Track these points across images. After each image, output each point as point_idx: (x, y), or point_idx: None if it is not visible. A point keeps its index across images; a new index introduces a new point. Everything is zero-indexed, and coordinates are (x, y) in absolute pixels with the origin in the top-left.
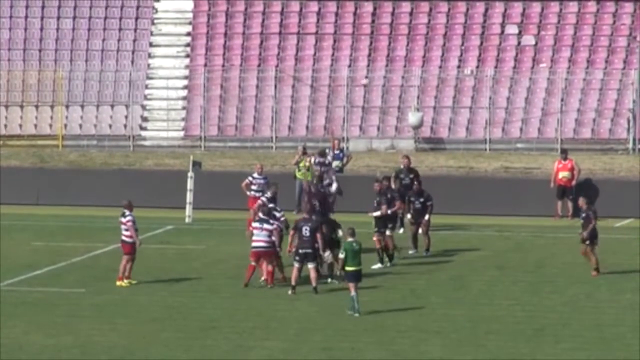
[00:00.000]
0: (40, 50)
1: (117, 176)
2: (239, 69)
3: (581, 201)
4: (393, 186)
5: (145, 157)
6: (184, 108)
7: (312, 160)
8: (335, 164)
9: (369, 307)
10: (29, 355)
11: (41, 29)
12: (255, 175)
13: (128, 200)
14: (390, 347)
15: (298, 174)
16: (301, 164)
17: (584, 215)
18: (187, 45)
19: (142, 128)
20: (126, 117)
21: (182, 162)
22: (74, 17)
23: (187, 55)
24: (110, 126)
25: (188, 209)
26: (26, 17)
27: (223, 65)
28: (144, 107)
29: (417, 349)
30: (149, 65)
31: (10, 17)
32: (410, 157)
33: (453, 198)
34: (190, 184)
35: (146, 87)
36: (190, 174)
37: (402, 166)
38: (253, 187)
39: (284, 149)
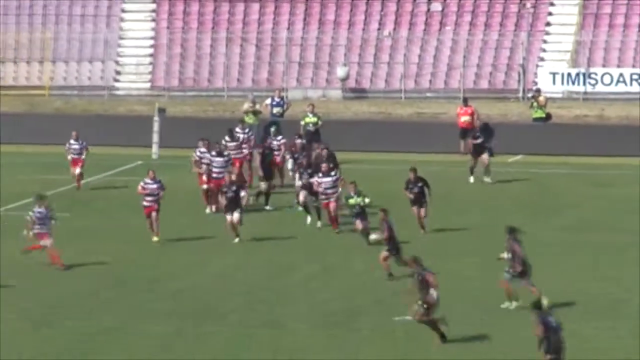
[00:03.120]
0: (30, 15)
1: (95, 120)
2: (196, 31)
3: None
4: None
5: (118, 104)
6: (150, 63)
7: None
8: (276, 110)
9: None
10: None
11: None
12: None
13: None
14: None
15: (247, 119)
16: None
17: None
18: (153, 11)
19: (115, 80)
20: (102, 71)
21: (149, 109)
22: None
23: (153, 20)
24: (89, 78)
25: (154, 148)
26: None
27: (183, 28)
28: (117, 63)
29: None
30: (121, 27)
31: None
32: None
33: (374, 139)
34: (156, 126)
35: (118, 45)
36: (155, 118)
37: (410, 178)
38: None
39: (234, 98)
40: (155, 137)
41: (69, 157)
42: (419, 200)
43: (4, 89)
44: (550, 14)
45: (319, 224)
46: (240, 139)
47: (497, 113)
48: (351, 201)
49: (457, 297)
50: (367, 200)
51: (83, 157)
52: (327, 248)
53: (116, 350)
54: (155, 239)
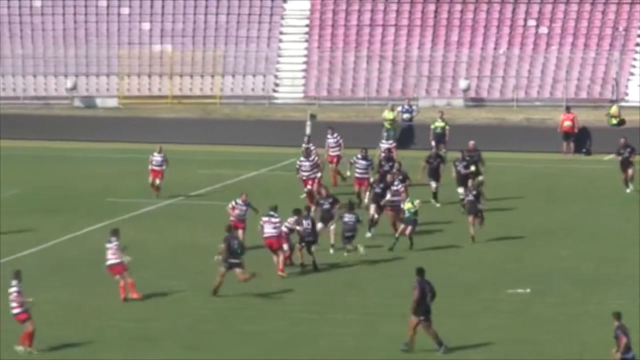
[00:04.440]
0: (204, 37)
1: (257, 124)
2: (342, 50)
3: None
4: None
5: (276, 111)
6: (303, 77)
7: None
8: (406, 116)
9: None
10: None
11: (205, 22)
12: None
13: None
14: None
15: (386, 124)
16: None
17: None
18: (306, 33)
19: (274, 91)
20: (263, 83)
21: (302, 115)
22: (228, 14)
23: (306, 40)
24: (252, 90)
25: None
26: (194, 13)
27: (331, 47)
28: (276, 76)
29: None
30: (279, 47)
31: (184, 13)
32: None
33: (491, 141)
34: (307, 130)
35: (277, 62)
36: (307, 122)
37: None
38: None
39: (373, 106)
40: (307, 139)
41: (150, 167)
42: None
43: (182, 98)
44: (639, 35)
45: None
46: (314, 159)
47: (593, 119)
48: (407, 205)
49: None
50: (416, 202)
51: (163, 168)
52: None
53: None
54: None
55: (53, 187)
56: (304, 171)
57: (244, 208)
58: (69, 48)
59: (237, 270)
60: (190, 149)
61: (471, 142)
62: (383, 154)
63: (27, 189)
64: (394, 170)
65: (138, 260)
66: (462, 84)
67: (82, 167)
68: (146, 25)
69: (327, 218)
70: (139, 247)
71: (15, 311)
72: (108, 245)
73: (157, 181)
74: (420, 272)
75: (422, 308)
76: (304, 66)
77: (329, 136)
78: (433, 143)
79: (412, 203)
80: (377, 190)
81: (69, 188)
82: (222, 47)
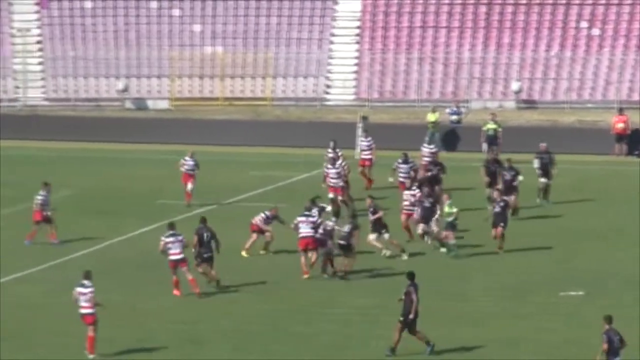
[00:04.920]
0: (255, 39)
1: (308, 126)
2: (393, 52)
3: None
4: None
5: (328, 113)
6: (355, 79)
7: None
8: (454, 118)
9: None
10: None
11: (256, 24)
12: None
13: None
14: None
15: (430, 127)
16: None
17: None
18: (357, 35)
19: (325, 93)
20: (315, 85)
21: (353, 117)
22: (279, 15)
23: (357, 42)
24: (304, 91)
25: (357, 149)
26: (245, 15)
27: (382, 49)
28: (327, 78)
29: None
30: (330, 49)
31: (235, 15)
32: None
33: (545, 141)
34: (359, 131)
35: (328, 64)
36: (359, 124)
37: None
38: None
39: (424, 108)
40: (358, 140)
41: (182, 170)
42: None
43: (233, 100)
44: None
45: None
46: (339, 170)
47: None
48: (446, 209)
49: None
50: (454, 209)
51: (194, 173)
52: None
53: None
54: None
55: (104, 189)
56: (332, 179)
57: (270, 221)
58: (120, 50)
59: (204, 265)
60: (241, 151)
61: (543, 144)
62: (426, 158)
63: (79, 191)
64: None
65: (191, 262)
66: (514, 85)
67: (132, 169)
68: (197, 27)
69: (379, 226)
70: (189, 249)
71: (86, 311)
72: (171, 239)
73: (190, 186)
74: (411, 276)
75: (407, 311)
76: (355, 68)
77: (362, 139)
78: (484, 145)
79: (451, 207)
80: (426, 204)
81: (120, 190)
82: (273, 49)
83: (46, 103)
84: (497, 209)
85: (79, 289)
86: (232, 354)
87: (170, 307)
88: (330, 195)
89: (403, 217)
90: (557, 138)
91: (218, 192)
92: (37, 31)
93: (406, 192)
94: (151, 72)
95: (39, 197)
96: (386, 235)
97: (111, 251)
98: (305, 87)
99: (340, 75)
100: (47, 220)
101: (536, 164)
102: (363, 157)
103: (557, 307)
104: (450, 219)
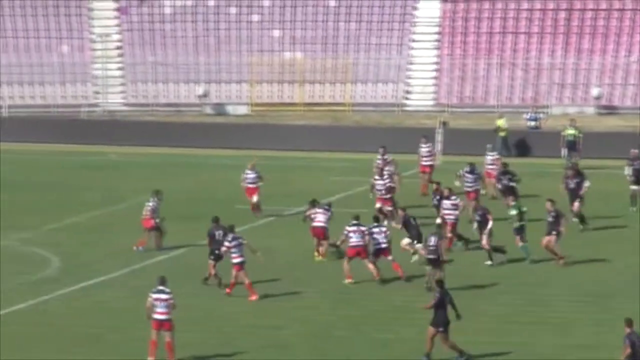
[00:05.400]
0: (334, 44)
1: (387, 132)
2: (472, 57)
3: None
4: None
5: (407, 118)
6: (434, 84)
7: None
8: (531, 123)
9: None
10: None
11: (335, 29)
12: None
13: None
14: None
15: (500, 133)
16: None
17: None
18: (437, 40)
19: (405, 98)
20: (394, 90)
21: (433, 122)
22: (358, 21)
23: (437, 48)
24: (383, 97)
25: (437, 156)
26: (325, 20)
27: (461, 55)
28: (407, 84)
29: None
30: (409, 54)
31: (314, 21)
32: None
33: (624, 149)
34: (439, 137)
35: (407, 69)
36: (439, 130)
37: (568, 172)
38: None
39: (504, 113)
40: (439, 146)
41: (244, 185)
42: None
43: (313, 105)
44: None
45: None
46: (386, 182)
47: None
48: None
49: None
50: (513, 212)
51: (257, 185)
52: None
53: None
54: None
55: (183, 194)
56: (378, 190)
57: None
58: (200, 55)
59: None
60: (320, 156)
61: (634, 151)
62: (489, 166)
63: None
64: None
65: (268, 266)
66: (594, 91)
67: (212, 174)
68: (276, 33)
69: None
70: (269, 253)
71: (164, 317)
72: (233, 243)
73: (255, 198)
74: (441, 284)
75: (441, 319)
76: (434, 73)
77: (422, 145)
78: (564, 151)
79: (519, 209)
80: (477, 218)
81: (199, 195)
82: (353, 55)
83: (126, 108)
84: (550, 219)
85: (156, 295)
86: (314, 359)
87: (249, 312)
88: (377, 205)
89: (448, 228)
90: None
91: (298, 197)
92: (117, 37)
93: (446, 201)
94: (231, 77)
95: (150, 205)
96: (418, 246)
97: (190, 256)
98: (385, 93)
99: (419, 81)
100: (156, 228)
101: (627, 170)
102: (423, 163)
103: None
104: (516, 224)
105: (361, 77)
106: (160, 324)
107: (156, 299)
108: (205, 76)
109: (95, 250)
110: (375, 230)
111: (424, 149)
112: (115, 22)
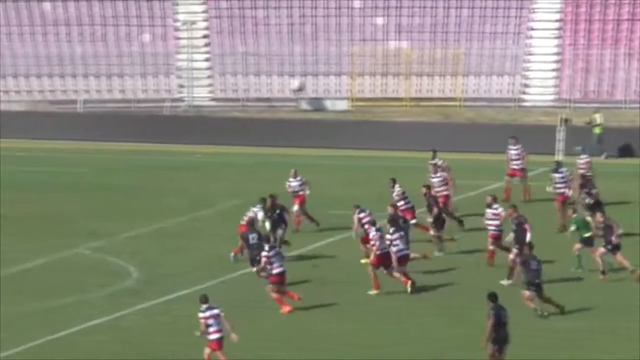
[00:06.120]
0: (444, 32)
1: (503, 129)
2: (597, 47)
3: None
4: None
5: (524, 115)
6: (555, 77)
7: None
8: None
9: None
10: None
11: (445, 16)
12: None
13: None
14: None
15: (596, 130)
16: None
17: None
18: (558, 29)
19: (522, 93)
20: (511, 84)
21: (552, 119)
22: (470, 7)
23: (558, 37)
24: (498, 91)
25: (559, 156)
26: (433, 7)
27: (585, 44)
28: (524, 77)
29: None
30: (527, 44)
31: (422, 7)
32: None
33: None
34: (560, 136)
35: (525, 61)
36: (560, 128)
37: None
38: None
39: (632, 109)
40: (560, 146)
41: (290, 192)
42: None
43: (420, 100)
44: None
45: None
46: (441, 176)
47: None
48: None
49: None
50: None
51: (302, 193)
52: None
53: None
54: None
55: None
56: (436, 187)
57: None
58: (295, 45)
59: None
60: (427, 157)
61: None
62: (581, 170)
63: (248, 199)
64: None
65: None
66: None
67: (307, 176)
68: (380, 20)
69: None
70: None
71: (218, 336)
72: (272, 253)
73: (295, 207)
74: (494, 297)
75: (498, 337)
76: (555, 65)
77: (510, 147)
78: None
79: (580, 222)
80: (513, 227)
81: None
82: (464, 44)
83: (213, 103)
84: (600, 232)
85: (209, 313)
86: None
87: (353, 330)
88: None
89: (489, 240)
90: None
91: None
92: (204, 24)
93: (487, 209)
94: (329, 69)
95: (254, 210)
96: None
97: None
98: (500, 87)
99: (538, 74)
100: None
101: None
102: (513, 167)
103: None
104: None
105: (474, 69)
106: (220, 343)
107: (210, 317)
108: (300, 68)
109: (179, 259)
110: (396, 235)
111: (512, 150)
112: (202, 8)
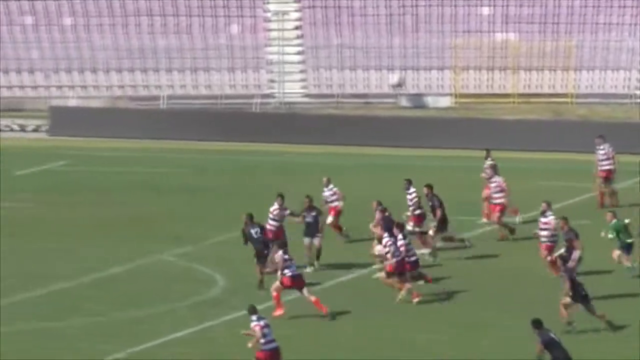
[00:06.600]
0: (554, 24)
1: (619, 128)
2: None
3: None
4: None
5: None
6: None
7: None
8: None
9: None
10: None
11: (556, 6)
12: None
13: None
14: None
15: None
16: None
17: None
18: None
19: (639, 88)
20: (627, 79)
21: None
22: None
23: None
24: (613, 87)
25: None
26: None
27: None
28: None
29: None
30: None
31: None
32: None
33: None
34: None
35: None
36: None
37: None
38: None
39: None
40: None
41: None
42: None
43: (529, 96)
44: None
45: None
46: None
47: None
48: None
49: None
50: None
51: (335, 204)
52: None
53: None
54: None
55: (362, 201)
56: (492, 194)
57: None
58: (395, 37)
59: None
60: (536, 157)
61: None
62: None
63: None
64: None
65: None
66: None
67: (403, 178)
68: (486, 10)
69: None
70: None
71: (274, 345)
72: (285, 256)
73: (329, 219)
74: (538, 324)
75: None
76: None
77: (598, 147)
78: None
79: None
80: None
81: (392, 202)
82: (577, 36)
83: (306, 100)
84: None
85: (263, 322)
86: None
87: (432, 340)
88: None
89: (543, 252)
90: None
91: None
92: (296, 15)
93: (542, 218)
94: (431, 63)
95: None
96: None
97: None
98: (615, 82)
99: None
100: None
101: None
102: (602, 168)
103: None
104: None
105: (587, 63)
106: (276, 353)
107: (265, 326)
108: (400, 62)
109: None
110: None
111: (600, 151)
112: None
